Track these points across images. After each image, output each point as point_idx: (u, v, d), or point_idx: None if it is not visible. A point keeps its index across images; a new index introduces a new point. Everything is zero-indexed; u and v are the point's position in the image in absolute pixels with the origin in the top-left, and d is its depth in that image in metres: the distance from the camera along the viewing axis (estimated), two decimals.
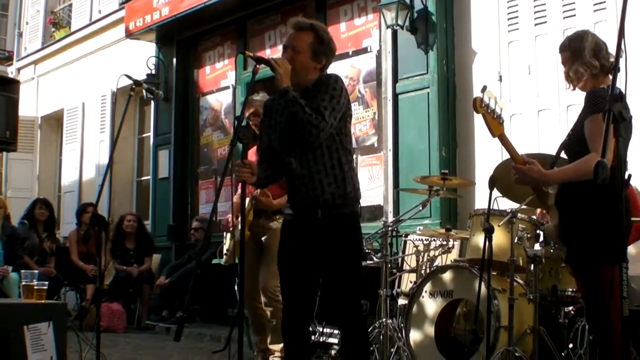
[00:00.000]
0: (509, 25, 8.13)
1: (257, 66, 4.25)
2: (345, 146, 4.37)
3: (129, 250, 11.01)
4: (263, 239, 6.23)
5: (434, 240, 6.48)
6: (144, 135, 13.80)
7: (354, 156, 9.24)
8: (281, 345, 5.70)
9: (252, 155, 5.89)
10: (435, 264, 6.34)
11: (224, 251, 6.43)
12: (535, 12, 7.90)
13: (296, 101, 4.16)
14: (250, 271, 6.14)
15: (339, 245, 4.29)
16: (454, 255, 6.44)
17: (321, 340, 6.83)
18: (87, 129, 14.57)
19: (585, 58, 4.04)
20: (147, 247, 11.18)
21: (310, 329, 7.03)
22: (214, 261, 8.78)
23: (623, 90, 2.87)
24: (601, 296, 3.77)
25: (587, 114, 3.94)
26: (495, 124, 3.96)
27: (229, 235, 6.41)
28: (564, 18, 7.61)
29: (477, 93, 8.23)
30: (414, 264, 6.47)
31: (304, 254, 4.37)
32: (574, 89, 4.20)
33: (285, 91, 4.19)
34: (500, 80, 8.05)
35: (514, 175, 3.97)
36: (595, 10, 7.35)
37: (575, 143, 4.03)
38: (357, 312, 4.37)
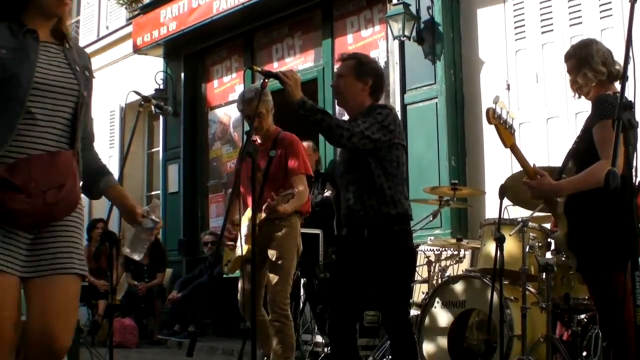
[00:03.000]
0: (515, 34, 8.13)
1: (266, 80, 4.27)
2: (390, 171, 4.47)
3: (142, 265, 11.00)
4: (269, 249, 5.68)
5: (445, 250, 6.48)
6: (153, 149, 13.82)
7: None
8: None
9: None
10: (447, 274, 6.33)
11: (225, 262, 6.03)
12: (541, 21, 7.90)
13: (315, 109, 4.19)
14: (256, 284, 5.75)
15: (386, 262, 4.41)
16: (465, 265, 6.43)
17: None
18: (96, 144, 14.46)
19: (593, 65, 4.05)
20: (161, 262, 11.17)
21: (323, 340, 7.11)
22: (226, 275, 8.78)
23: (631, 98, 2.87)
24: (613, 304, 3.76)
25: (595, 120, 3.94)
26: (507, 134, 3.97)
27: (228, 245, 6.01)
28: (571, 26, 7.62)
29: (485, 102, 8.28)
30: (425, 275, 6.46)
31: (355, 270, 4.51)
32: (579, 97, 4.21)
33: (302, 102, 4.21)
34: (508, 89, 8.04)
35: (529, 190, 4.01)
36: (601, 18, 7.35)
37: (583, 150, 4.03)
38: (405, 326, 4.52)
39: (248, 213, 5.59)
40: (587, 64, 4.08)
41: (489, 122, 3.91)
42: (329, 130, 4.22)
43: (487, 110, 3.89)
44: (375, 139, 4.36)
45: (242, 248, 5.19)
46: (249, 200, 5.65)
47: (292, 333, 5.60)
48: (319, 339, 7.26)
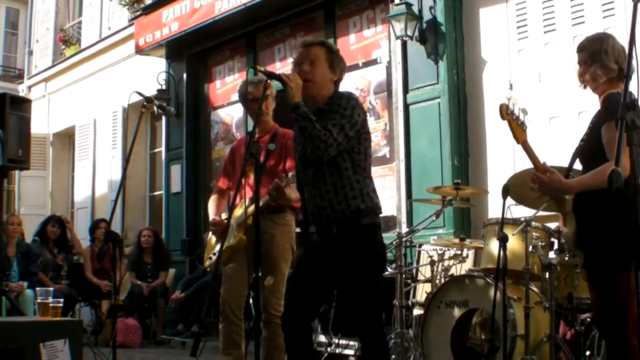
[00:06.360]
0: (518, 33, 8.13)
1: (268, 81, 4.27)
2: (358, 164, 4.35)
3: (146, 264, 11.03)
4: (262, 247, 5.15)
5: (448, 250, 6.48)
6: (155, 150, 13.83)
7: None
8: None
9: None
10: (450, 273, 6.33)
11: (210, 254, 5.68)
12: (544, 20, 7.90)
13: (306, 116, 4.16)
14: (238, 281, 5.48)
15: (356, 257, 4.27)
16: (468, 264, 6.43)
17: (337, 352, 6.83)
18: (99, 145, 14.62)
19: (605, 61, 4.00)
20: (164, 261, 11.19)
21: (326, 340, 7.09)
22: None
23: (636, 97, 2.87)
24: (617, 303, 3.75)
25: (604, 119, 3.92)
26: (519, 130, 3.98)
27: (214, 237, 5.73)
28: (573, 25, 7.61)
29: (488, 102, 8.27)
30: (428, 274, 6.46)
31: (321, 265, 4.36)
32: (585, 88, 4.18)
33: (296, 106, 4.20)
34: (511, 88, 8.04)
35: (537, 185, 3.98)
36: (604, 17, 7.35)
37: (590, 148, 4.01)
38: (376, 325, 4.35)
39: (240, 206, 5.45)
40: (599, 60, 4.03)
41: (503, 118, 3.90)
42: (311, 140, 4.18)
43: (501, 106, 3.88)
44: (345, 141, 4.26)
45: (232, 237, 5.03)
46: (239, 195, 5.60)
47: (282, 343, 4.81)
48: (322, 338, 7.25)
